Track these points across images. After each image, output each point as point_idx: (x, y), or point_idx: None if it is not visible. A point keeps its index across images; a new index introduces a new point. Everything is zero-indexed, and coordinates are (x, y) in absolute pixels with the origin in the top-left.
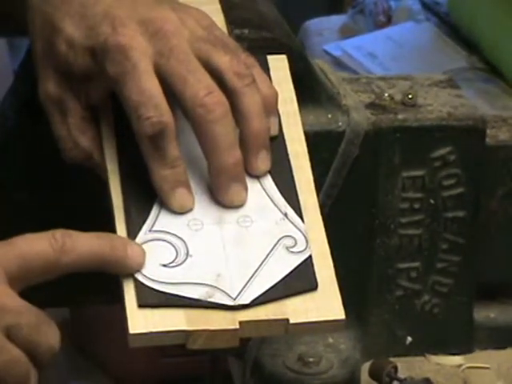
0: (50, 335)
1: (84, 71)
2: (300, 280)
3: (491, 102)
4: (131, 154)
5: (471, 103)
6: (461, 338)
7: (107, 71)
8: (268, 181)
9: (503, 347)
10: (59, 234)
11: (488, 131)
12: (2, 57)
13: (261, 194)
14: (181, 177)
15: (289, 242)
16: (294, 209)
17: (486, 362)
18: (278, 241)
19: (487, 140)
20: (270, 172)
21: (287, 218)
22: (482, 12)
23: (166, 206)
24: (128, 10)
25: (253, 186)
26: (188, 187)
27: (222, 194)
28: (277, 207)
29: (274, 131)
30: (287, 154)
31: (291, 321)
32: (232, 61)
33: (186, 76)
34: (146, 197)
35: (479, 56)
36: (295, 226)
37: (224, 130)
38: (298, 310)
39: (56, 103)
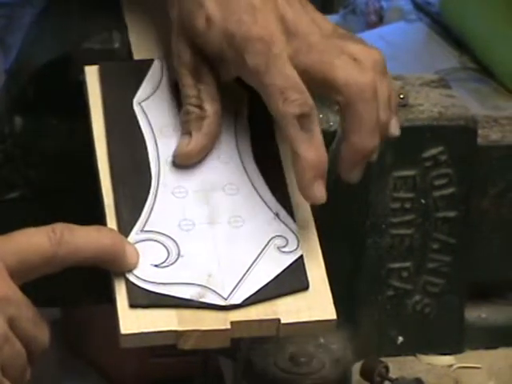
0: (43, 331)
1: (217, 53)
2: (291, 280)
3: (482, 101)
4: (123, 154)
5: (462, 103)
6: (452, 337)
7: (247, 62)
8: (259, 180)
9: (494, 347)
10: (59, 227)
11: (479, 131)
12: None
13: (252, 193)
14: (324, 166)
15: (280, 241)
16: (285, 209)
17: (477, 362)
18: (270, 241)
19: (478, 140)
20: (261, 172)
21: (278, 217)
22: (474, 12)
23: (300, 195)
24: (269, 3)
25: (244, 185)
26: (325, 180)
27: (347, 173)
28: (268, 207)
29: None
30: (278, 154)
31: (282, 321)
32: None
33: (333, 61)
34: (137, 197)
35: (471, 56)
36: (286, 225)
37: (372, 112)
38: (290, 309)
39: (190, 70)
